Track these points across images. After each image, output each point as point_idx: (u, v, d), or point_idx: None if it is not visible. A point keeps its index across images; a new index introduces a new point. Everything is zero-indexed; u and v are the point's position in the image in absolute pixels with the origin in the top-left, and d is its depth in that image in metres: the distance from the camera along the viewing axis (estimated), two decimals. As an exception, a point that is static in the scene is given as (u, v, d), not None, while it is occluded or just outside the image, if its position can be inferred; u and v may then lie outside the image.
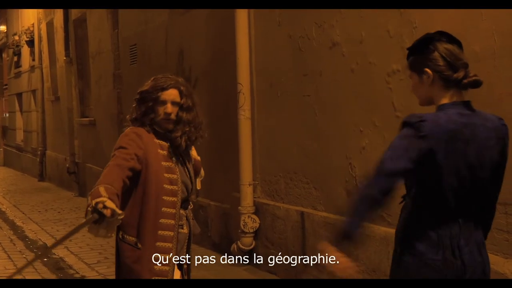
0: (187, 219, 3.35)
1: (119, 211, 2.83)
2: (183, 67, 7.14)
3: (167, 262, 3.20)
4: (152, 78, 3.34)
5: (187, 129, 3.31)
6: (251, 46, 5.77)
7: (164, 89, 3.26)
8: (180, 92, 3.30)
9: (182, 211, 3.30)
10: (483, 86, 3.57)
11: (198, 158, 3.64)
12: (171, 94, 3.27)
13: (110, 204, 2.80)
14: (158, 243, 3.19)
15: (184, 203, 3.33)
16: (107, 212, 2.77)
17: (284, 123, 5.45)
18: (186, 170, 3.36)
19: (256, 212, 5.78)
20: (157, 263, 3.18)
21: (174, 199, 3.24)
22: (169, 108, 3.25)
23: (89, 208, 2.82)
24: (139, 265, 3.18)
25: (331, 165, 4.87)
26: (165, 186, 3.22)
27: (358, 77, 4.57)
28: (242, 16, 5.72)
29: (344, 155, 4.70)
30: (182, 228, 3.31)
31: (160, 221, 3.20)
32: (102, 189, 2.91)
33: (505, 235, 3.52)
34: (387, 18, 4.24)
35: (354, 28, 4.55)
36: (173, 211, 3.24)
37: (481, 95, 3.62)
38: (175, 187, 3.24)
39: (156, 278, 3.17)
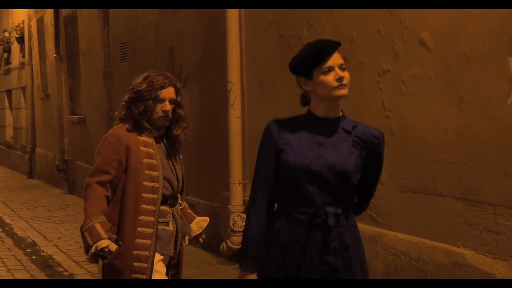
0: (173, 217, 3.34)
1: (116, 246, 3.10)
2: (173, 65, 7.13)
3: (145, 259, 3.21)
4: (144, 75, 3.34)
5: (184, 125, 3.38)
6: (242, 45, 5.76)
7: (163, 87, 3.27)
8: (176, 90, 3.34)
9: (166, 208, 3.31)
10: (472, 86, 3.60)
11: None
12: (169, 92, 3.30)
13: (113, 247, 3.06)
14: (137, 240, 3.20)
15: (171, 200, 3.34)
16: (112, 254, 3.06)
17: (274, 122, 5.44)
18: (172, 167, 3.38)
19: (245, 211, 5.78)
20: (136, 260, 3.20)
21: (155, 196, 3.25)
22: (168, 106, 3.28)
23: (92, 251, 3.05)
24: (120, 261, 3.20)
25: (321, 165, 4.87)
26: (145, 183, 3.23)
27: (350, 76, 4.56)
28: (232, 15, 5.71)
29: (334, 155, 4.70)
30: (167, 225, 3.31)
31: (139, 218, 3.22)
32: (99, 227, 3.10)
33: (494, 236, 3.53)
34: (377, 18, 4.24)
35: (345, 28, 4.56)
36: (153, 208, 3.24)
37: (470, 95, 3.65)
38: (156, 184, 3.25)
39: (136, 275, 3.19)
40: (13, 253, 6.82)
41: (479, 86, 3.57)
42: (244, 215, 5.73)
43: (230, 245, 5.79)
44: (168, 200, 3.33)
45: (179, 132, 3.36)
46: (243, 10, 5.74)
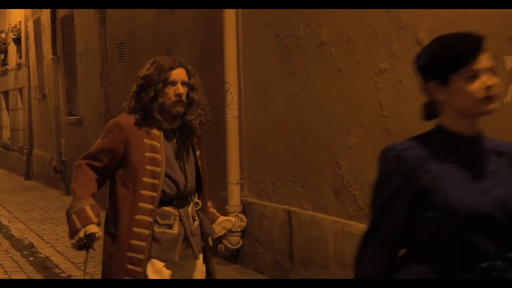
0: (180, 219, 3.05)
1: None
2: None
3: (139, 263, 2.97)
4: (151, 61, 3.08)
5: (199, 111, 3.10)
6: (239, 44, 5.76)
7: (172, 68, 3.01)
8: (188, 71, 3.09)
9: (171, 209, 3.04)
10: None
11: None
12: (180, 73, 3.03)
13: (100, 233, 2.95)
14: (132, 241, 2.96)
15: (177, 201, 3.07)
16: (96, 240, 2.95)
17: (272, 122, 5.45)
18: (182, 163, 3.10)
19: (243, 211, 5.78)
20: (130, 262, 2.97)
21: (154, 194, 2.97)
22: (181, 88, 3.01)
23: (81, 235, 2.91)
24: (112, 261, 3.02)
25: (318, 164, 4.88)
26: (145, 179, 2.97)
27: (346, 76, 4.57)
28: (230, 15, 5.71)
29: (331, 154, 4.71)
30: (170, 228, 3.02)
31: (136, 217, 2.96)
32: (89, 210, 2.95)
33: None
34: (374, 18, 4.25)
35: (342, 28, 4.56)
36: (151, 207, 2.97)
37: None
38: (156, 181, 2.98)
39: (128, 278, 2.96)
40: (10, 255, 6.81)
41: (476, 85, 3.57)
42: (241, 216, 5.73)
43: (228, 245, 5.78)
44: (174, 200, 3.06)
45: (192, 117, 3.06)
46: (240, 10, 5.74)
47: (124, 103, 3.14)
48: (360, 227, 4.33)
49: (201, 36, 6.51)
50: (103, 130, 3.12)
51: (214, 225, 3.33)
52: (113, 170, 3.06)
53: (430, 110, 2.01)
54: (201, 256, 3.20)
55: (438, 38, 1.97)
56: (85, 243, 2.93)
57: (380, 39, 4.23)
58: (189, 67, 3.10)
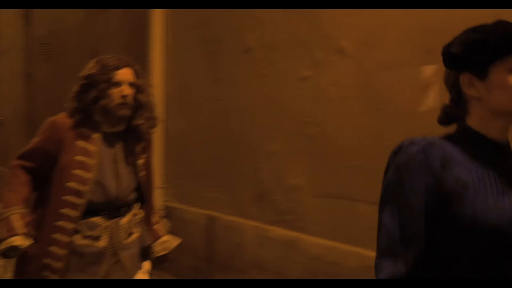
0: (109, 232, 2.84)
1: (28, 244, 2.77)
2: (96, 67, 7.03)
3: (55, 271, 2.78)
4: (95, 60, 2.88)
5: (148, 114, 2.90)
6: (165, 48, 5.74)
7: (117, 68, 2.79)
8: (135, 72, 2.87)
9: (98, 220, 2.83)
10: (388, 94, 3.69)
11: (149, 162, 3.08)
12: (126, 73, 2.81)
13: (26, 243, 2.74)
14: (50, 248, 2.78)
15: (109, 211, 2.85)
16: (21, 252, 2.75)
17: (197, 127, 5.44)
18: (117, 169, 2.87)
19: (166, 216, 5.73)
20: (46, 269, 2.79)
21: (78, 201, 2.77)
22: (126, 89, 2.78)
23: (1, 247, 2.71)
24: (27, 267, 2.83)
25: (241, 170, 4.90)
26: (71, 184, 2.76)
27: (270, 82, 4.61)
28: (156, 17, 5.68)
29: (254, 160, 4.74)
30: (96, 240, 2.81)
31: (57, 223, 2.77)
32: (15, 220, 2.74)
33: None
34: (299, 26, 4.30)
35: (268, 34, 4.60)
36: (74, 214, 2.77)
37: (385, 102, 3.73)
38: (83, 187, 2.76)
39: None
40: None
41: (394, 94, 3.66)
42: (165, 220, 5.68)
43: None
44: (103, 210, 2.84)
45: (141, 122, 2.85)
46: (167, 13, 5.72)
47: (65, 104, 2.91)
48: (280, 232, 4.37)
49: (128, 38, 6.45)
50: (40, 129, 2.92)
51: (155, 244, 3.13)
52: (48, 171, 2.85)
53: (451, 112, 1.73)
54: (142, 270, 3.03)
55: (478, 26, 1.72)
56: (8, 252, 2.74)
57: (304, 47, 4.29)
58: (136, 67, 2.89)
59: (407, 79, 3.57)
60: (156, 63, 5.69)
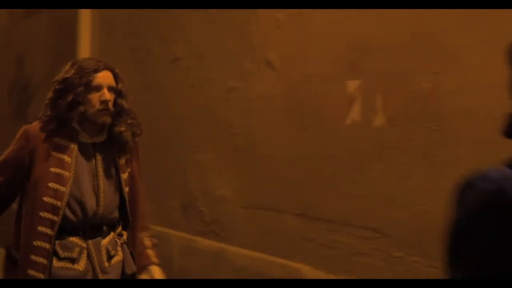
0: (88, 253, 2.56)
1: None
2: (23, 73, 6.88)
3: None
4: (70, 63, 2.62)
5: (131, 120, 2.65)
6: (93, 55, 5.67)
7: (96, 70, 2.53)
8: (115, 75, 2.63)
9: (75, 240, 2.56)
10: (314, 107, 3.74)
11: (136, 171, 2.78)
12: (106, 77, 2.56)
13: None
14: (29, 271, 2.50)
15: (86, 230, 2.57)
16: None
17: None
18: (96, 184, 2.59)
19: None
20: None
21: (54, 218, 2.49)
22: (107, 94, 2.52)
23: None
24: None
25: (168, 179, 4.87)
26: (46, 199, 2.50)
27: (198, 92, 4.61)
28: (84, 25, 5.61)
29: (182, 170, 4.72)
30: (73, 263, 2.54)
31: (34, 243, 2.49)
32: None
33: (329, 251, 3.67)
34: (228, 37, 4.32)
35: (196, 44, 4.60)
36: (50, 233, 2.49)
37: (312, 115, 3.78)
38: (58, 202, 2.49)
39: None
40: None
41: (320, 107, 3.71)
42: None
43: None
44: (80, 229, 2.57)
45: (123, 129, 2.60)
46: (96, 21, 5.66)
47: (40, 113, 2.65)
48: (206, 242, 4.37)
49: (55, 44, 6.34)
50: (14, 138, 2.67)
51: (142, 274, 2.76)
52: (21, 184, 2.60)
53: None
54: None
55: None
56: None
57: (232, 58, 4.31)
58: (116, 70, 2.65)
59: (332, 92, 3.63)
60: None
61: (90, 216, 2.56)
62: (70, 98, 2.50)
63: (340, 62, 3.59)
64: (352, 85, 3.48)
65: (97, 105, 2.53)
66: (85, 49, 5.62)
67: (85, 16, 5.65)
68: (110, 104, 2.55)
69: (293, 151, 3.88)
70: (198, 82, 4.61)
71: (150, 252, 2.83)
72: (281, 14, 3.88)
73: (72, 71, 2.54)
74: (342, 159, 3.57)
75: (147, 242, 2.86)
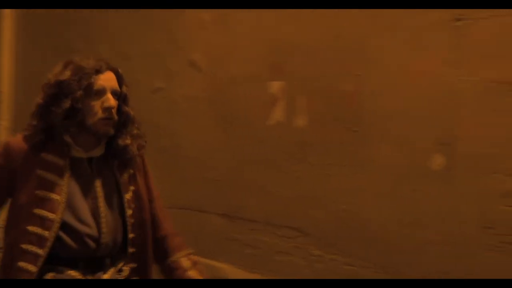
0: None
1: None
2: None
3: None
4: (64, 62, 2.19)
5: (136, 131, 2.27)
6: (15, 55, 5.55)
7: (99, 71, 2.13)
8: (119, 77, 2.25)
9: (75, 274, 2.12)
10: (238, 108, 3.76)
11: (152, 186, 2.39)
12: (110, 79, 2.16)
13: None
14: None
15: (87, 264, 2.14)
16: None
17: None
18: (96, 207, 2.17)
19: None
20: None
21: (39, 251, 2.06)
22: (112, 100, 2.13)
23: None
24: None
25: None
26: (30, 228, 2.06)
27: (124, 93, 4.56)
28: (6, 24, 5.50)
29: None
30: None
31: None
32: None
33: (252, 251, 3.70)
34: (151, 37, 4.30)
35: (120, 44, 4.56)
36: (32, 269, 2.04)
37: (236, 116, 3.80)
38: (46, 233, 2.05)
39: None
40: None
41: (244, 108, 3.74)
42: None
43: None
44: (80, 261, 2.14)
45: (128, 142, 2.19)
46: (19, 21, 5.54)
47: (27, 125, 2.23)
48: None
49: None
50: None
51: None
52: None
53: None
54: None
55: None
56: None
57: (157, 58, 4.29)
58: (119, 71, 2.26)
59: (256, 93, 3.66)
60: (5, 67, 5.49)
61: (92, 247, 2.14)
62: (67, 104, 2.07)
63: (264, 63, 3.63)
64: (276, 86, 3.53)
65: (100, 113, 2.11)
66: (6, 51, 5.49)
67: (7, 16, 5.53)
68: (114, 112, 2.16)
69: (217, 152, 3.89)
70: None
71: (193, 273, 2.35)
72: (206, 14, 3.89)
73: (68, 73, 2.11)
74: (265, 159, 3.60)
75: (185, 263, 2.39)
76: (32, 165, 2.10)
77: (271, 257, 3.54)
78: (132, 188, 2.31)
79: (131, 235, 2.28)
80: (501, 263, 2.76)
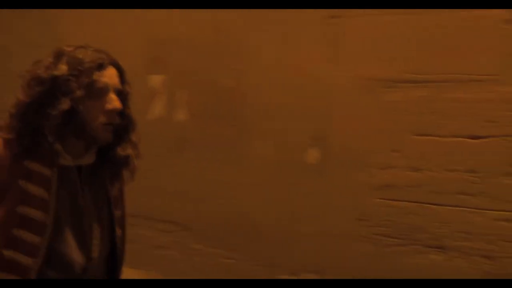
0: None
1: None
2: None
3: None
4: (55, 53, 1.82)
5: (135, 139, 1.95)
6: None
7: (101, 66, 1.78)
8: (121, 73, 1.90)
9: None
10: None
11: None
12: (113, 75, 1.83)
13: None
14: None
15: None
16: None
17: None
18: (87, 227, 1.84)
19: None
20: None
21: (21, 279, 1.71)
22: (117, 101, 1.80)
23: None
24: None
25: None
26: (6, 253, 1.70)
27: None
28: None
29: None
30: None
31: None
32: None
33: (132, 245, 3.65)
34: (29, 28, 4.17)
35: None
36: None
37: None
38: (29, 259, 1.70)
39: None
40: None
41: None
42: None
43: None
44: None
45: (130, 151, 1.91)
46: None
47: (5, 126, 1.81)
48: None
49: None
50: None
51: None
52: None
53: None
54: None
55: None
56: None
57: (37, 51, 4.15)
58: (120, 66, 1.91)
59: (136, 87, 3.60)
60: None
61: (77, 273, 1.81)
62: (66, 106, 1.71)
63: (143, 56, 3.60)
64: (155, 80, 3.50)
65: (101, 117, 1.78)
66: None
67: None
68: (117, 115, 1.83)
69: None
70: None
71: None
72: (85, 10, 3.81)
73: (64, 67, 1.75)
74: (144, 153, 3.56)
75: None
76: (13, 174, 1.72)
77: (150, 251, 3.52)
78: (121, 205, 2.02)
79: (120, 257, 2.01)
80: (374, 254, 2.85)
